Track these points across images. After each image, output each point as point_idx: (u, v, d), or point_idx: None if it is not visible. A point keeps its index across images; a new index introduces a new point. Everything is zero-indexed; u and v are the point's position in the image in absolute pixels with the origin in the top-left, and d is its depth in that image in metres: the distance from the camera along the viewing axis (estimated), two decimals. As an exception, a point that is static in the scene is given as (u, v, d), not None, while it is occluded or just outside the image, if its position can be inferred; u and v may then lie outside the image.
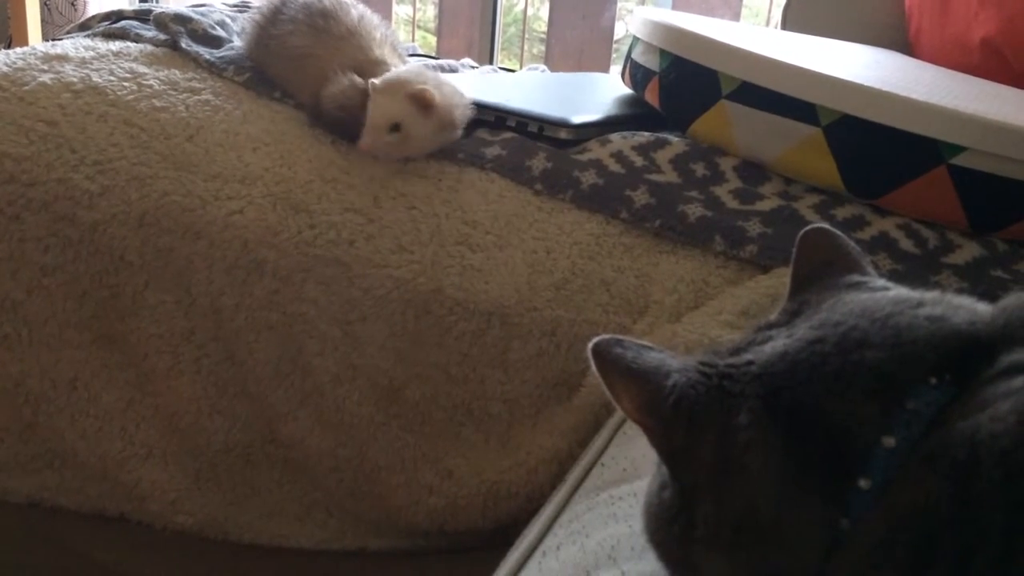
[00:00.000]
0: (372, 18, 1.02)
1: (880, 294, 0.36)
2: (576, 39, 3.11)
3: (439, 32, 3.14)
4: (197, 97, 0.96)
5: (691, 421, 0.34)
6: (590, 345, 0.36)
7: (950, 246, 0.80)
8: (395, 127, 0.87)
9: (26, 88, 0.91)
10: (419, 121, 0.88)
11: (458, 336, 0.85)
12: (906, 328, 0.32)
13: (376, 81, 0.89)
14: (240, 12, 1.25)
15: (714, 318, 0.78)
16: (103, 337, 0.90)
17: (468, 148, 0.94)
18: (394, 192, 0.89)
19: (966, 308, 0.34)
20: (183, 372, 0.90)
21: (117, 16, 1.16)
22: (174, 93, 0.95)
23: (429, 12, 3.47)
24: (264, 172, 0.89)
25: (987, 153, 0.76)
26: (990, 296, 0.36)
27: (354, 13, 0.99)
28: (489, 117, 0.99)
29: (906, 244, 0.80)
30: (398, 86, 0.88)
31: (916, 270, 0.77)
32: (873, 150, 0.81)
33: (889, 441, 0.29)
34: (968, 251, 0.79)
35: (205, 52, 1.05)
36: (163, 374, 0.90)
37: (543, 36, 3.42)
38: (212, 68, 1.03)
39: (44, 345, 0.89)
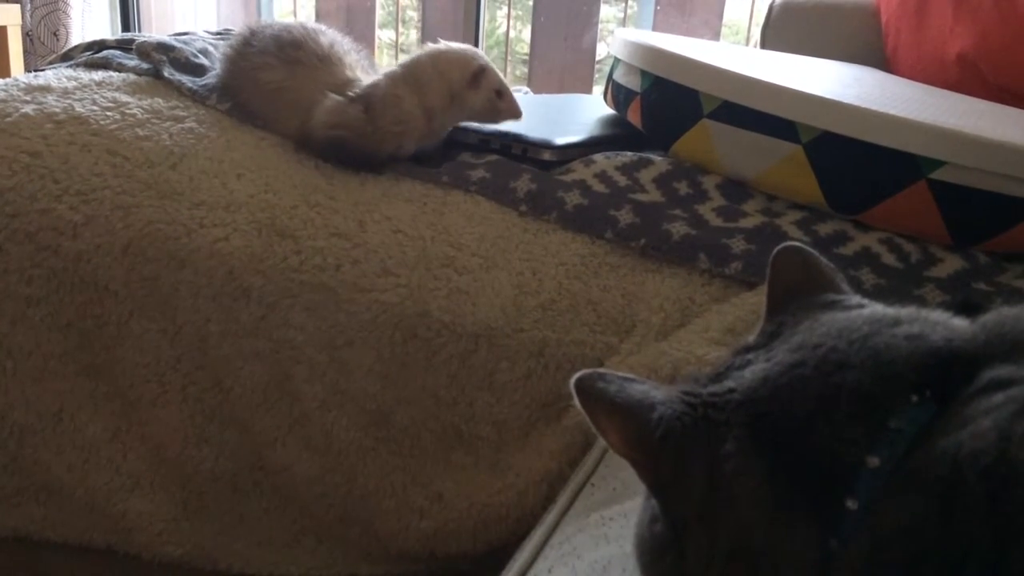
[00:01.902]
0: (343, 43, 1.02)
1: (855, 313, 0.36)
2: (558, 60, 3.13)
3: (422, 55, 3.15)
4: (181, 125, 0.96)
5: (678, 453, 0.34)
6: (572, 381, 0.36)
7: (932, 259, 0.81)
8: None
9: (8, 119, 0.91)
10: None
11: (446, 359, 0.85)
12: (884, 348, 0.32)
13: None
14: (222, 39, 1.25)
15: (701, 335, 0.78)
16: (88, 368, 0.89)
17: (453, 171, 0.94)
18: (379, 216, 0.89)
19: (943, 325, 0.34)
20: (169, 401, 0.89)
21: (99, 46, 1.16)
22: (157, 122, 0.95)
23: (412, 36, 3.49)
24: (249, 199, 0.89)
25: (966, 167, 0.77)
26: (973, 306, 0.36)
27: (324, 40, 0.99)
28: (473, 140, 0.99)
29: (889, 258, 0.81)
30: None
31: (899, 284, 0.78)
32: (853, 166, 0.81)
33: (873, 461, 0.29)
34: (950, 264, 0.80)
35: (188, 80, 1.05)
36: (149, 403, 0.89)
37: (525, 58, 3.44)
38: (195, 96, 1.03)
39: (28, 377, 0.89)
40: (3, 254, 0.86)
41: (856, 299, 0.38)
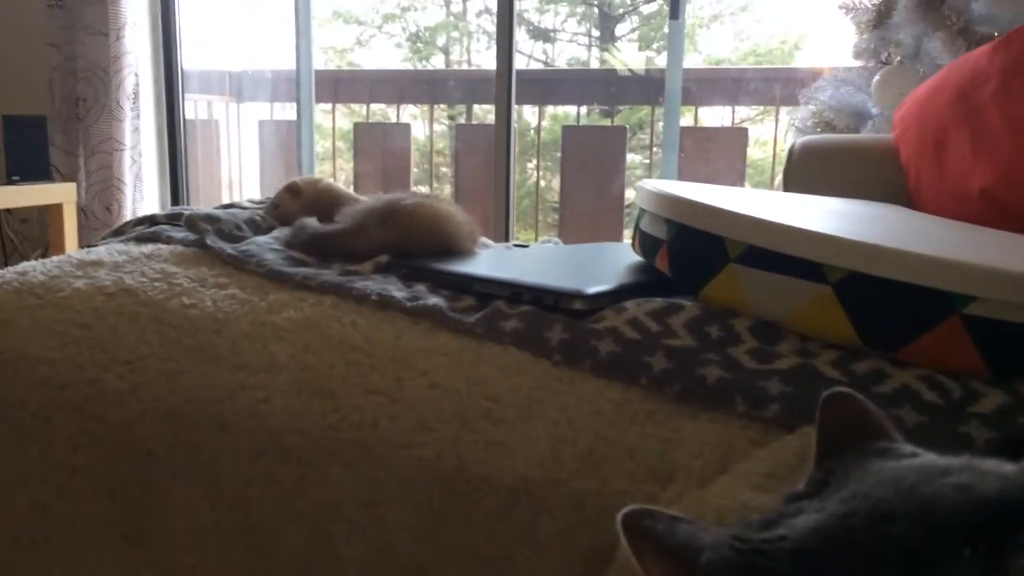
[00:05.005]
0: None
1: (906, 463, 0.36)
2: (588, 208, 3.22)
3: (456, 209, 3.27)
4: (224, 292, 1.00)
5: None
6: (619, 517, 0.36)
7: (974, 395, 0.79)
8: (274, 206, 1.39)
9: (61, 295, 0.96)
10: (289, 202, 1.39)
11: (485, 514, 0.84)
12: (932, 498, 0.32)
13: None
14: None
15: (743, 482, 0.77)
16: (129, 535, 0.89)
17: (486, 323, 0.96)
18: (415, 371, 0.91)
19: (994, 473, 0.33)
20: (210, 568, 0.88)
21: (150, 221, 1.23)
22: (202, 290, 0.99)
23: (446, 191, 3.62)
24: (289, 360, 0.91)
25: (998, 300, 0.77)
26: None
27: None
28: (505, 293, 1.01)
29: (929, 395, 0.79)
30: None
31: (942, 422, 0.76)
32: (885, 305, 0.81)
33: None
34: (993, 399, 0.79)
35: (228, 247, 1.10)
36: (189, 570, 0.89)
37: (556, 205, 3.54)
38: (234, 262, 1.08)
39: (69, 547, 0.89)
40: (51, 425, 0.88)
41: (908, 448, 0.38)
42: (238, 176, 3.46)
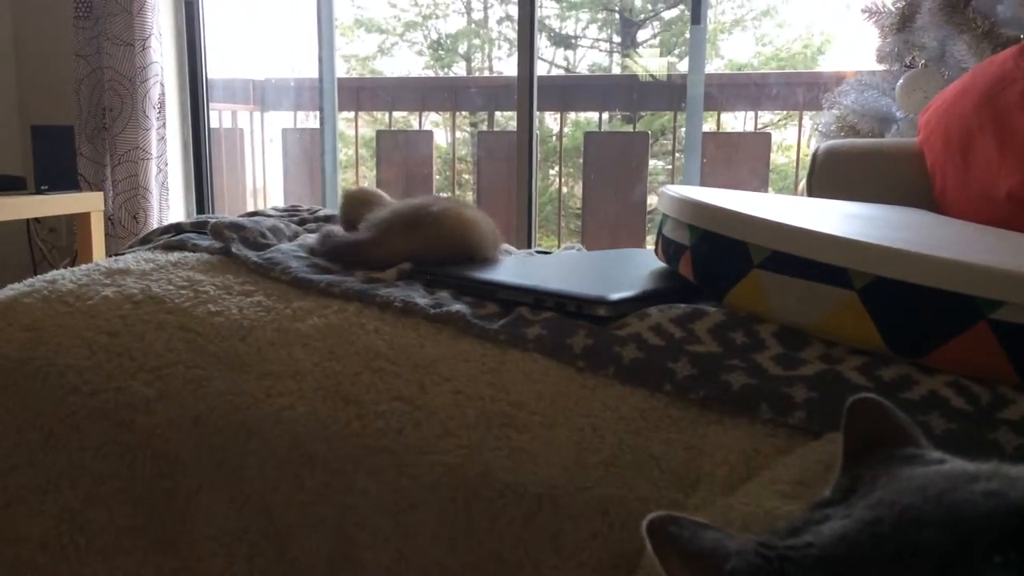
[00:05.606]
0: None
1: (934, 469, 0.36)
2: (610, 213, 3.22)
3: (478, 216, 3.27)
4: (250, 299, 1.00)
5: None
6: (644, 523, 0.36)
7: (1004, 401, 0.78)
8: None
9: (90, 303, 0.97)
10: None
11: (509, 520, 0.84)
12: (961, 505, 0.32)
13: None
14: (291, 216, 1.32)
15: (768, 488, 0.76)
16: (157, 541, 0.90)
17: (509, 329, 0.96)
18: (439, 378, 0.91)
19: None
20: (236, 574, 0.89)
21: (176, 229, 1.24)
22: (228, 297, 1.00)
23: (468, 197, 3.63)
24: (314, 367, 0.92)
25: (1027, 305, 0.76)
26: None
27: None
28: (528, 300, 1.01)
29: (958, 402, 0.79)
30: None
31: (971, 428, 0.75)
32: (911, 310, 0.81)
33: None
34: (1022, 405, 0.78)
35: (253, 255, 1.11)
36: (216, 576, 0.89)
37: (579, 212, 3.54)
38: (259, 270, 1.09)
39: (99, 554, 0.90)
40: (80, 432, 0.89)
41: (936, 454, 0.38)
42: (262, 184, 3.48)
